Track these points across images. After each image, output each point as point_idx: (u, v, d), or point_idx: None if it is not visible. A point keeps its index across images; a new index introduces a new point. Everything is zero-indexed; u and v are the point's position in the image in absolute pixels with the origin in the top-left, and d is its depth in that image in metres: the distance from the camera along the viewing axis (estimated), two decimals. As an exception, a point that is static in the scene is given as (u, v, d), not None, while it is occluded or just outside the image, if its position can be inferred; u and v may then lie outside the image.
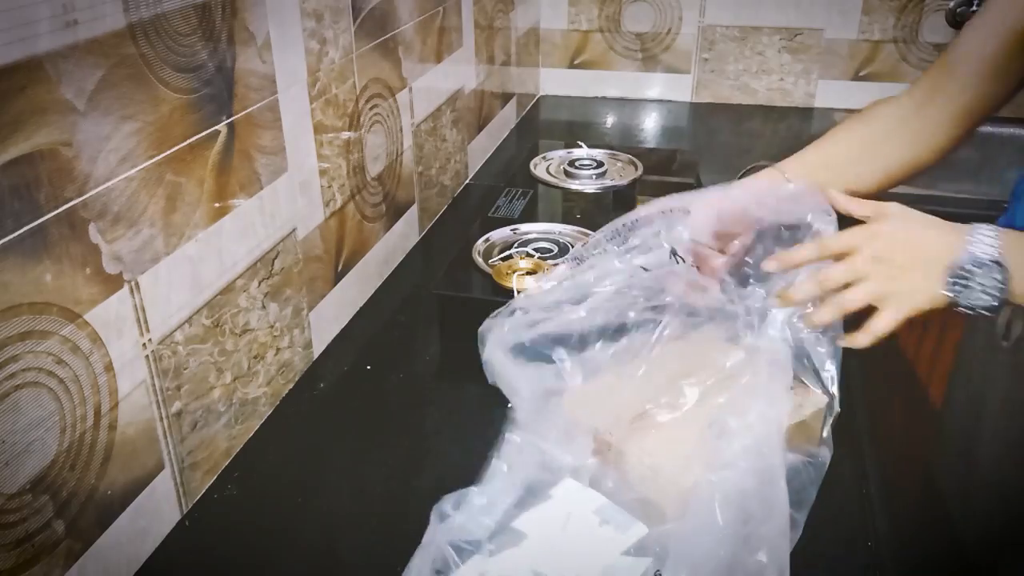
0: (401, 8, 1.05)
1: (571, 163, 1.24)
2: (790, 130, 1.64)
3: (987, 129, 1.56)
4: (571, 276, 0.71)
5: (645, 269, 0.70)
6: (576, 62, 1.79)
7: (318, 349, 0.92)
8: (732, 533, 0.55)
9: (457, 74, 1.29)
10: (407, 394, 0.88)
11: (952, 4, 1.56)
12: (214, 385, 0.73)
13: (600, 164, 1.23)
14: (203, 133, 0.69)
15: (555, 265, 0.94)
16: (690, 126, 1.70)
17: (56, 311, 0.55)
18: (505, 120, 1.58)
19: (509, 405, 0.67)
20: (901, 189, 0.81)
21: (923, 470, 0.72)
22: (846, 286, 0.63)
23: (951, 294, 0.60)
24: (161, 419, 0.67)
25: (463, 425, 0.82)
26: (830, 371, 0.65)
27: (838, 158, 0.79)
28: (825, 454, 0.63)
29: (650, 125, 1.69)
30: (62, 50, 0.53)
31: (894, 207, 0.65)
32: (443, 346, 0.95)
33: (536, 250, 1.00)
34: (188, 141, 0.67)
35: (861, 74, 1.67)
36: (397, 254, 1.13)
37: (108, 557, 0.62)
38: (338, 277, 0.96)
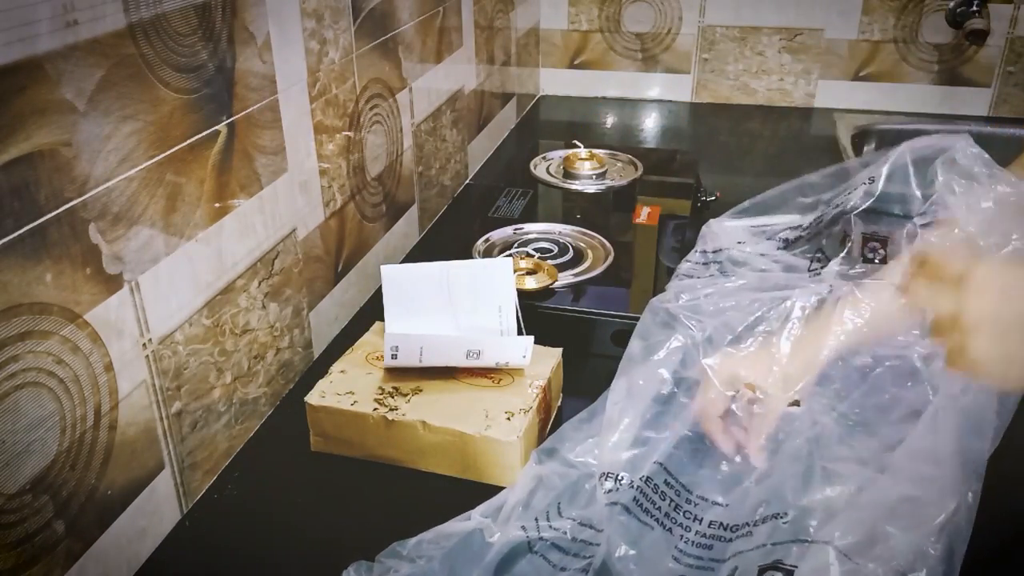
0: (401, 8, 1.05)
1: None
2: (790, 130, 1.64)
3: (988, 129, 1.57)
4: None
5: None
6: (576, 62, 1.80)
7: (318, 349, 0.92)
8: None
9: (457, 74, 1.29)
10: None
11: (952, 4, 1.56)
12: (214, 385, 0.73)
13: (600, 164, 1.23)
14: (203, 133, 0.69)
15: (555, 265, 0.94)
16: (690, 126, 1.70)
17: (56, 311, 0.55)
18: (505, 120, 1.59)
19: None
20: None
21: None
22: None
23: None
24: (161, 419, 0.67)
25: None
26: None
27: None
28: None
29: (650, 125, 1.69)
30: (62, 50, 0.53)
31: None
32: (443, 346, 0.95)
33: (536, 250, 1.00)
34: (188, 141, 0.67)
35: (861, 74, 1.67)
36: (397, 254, 1.13)
37: (108, 557, 0.62)
38: (338, 277, 0.96)
